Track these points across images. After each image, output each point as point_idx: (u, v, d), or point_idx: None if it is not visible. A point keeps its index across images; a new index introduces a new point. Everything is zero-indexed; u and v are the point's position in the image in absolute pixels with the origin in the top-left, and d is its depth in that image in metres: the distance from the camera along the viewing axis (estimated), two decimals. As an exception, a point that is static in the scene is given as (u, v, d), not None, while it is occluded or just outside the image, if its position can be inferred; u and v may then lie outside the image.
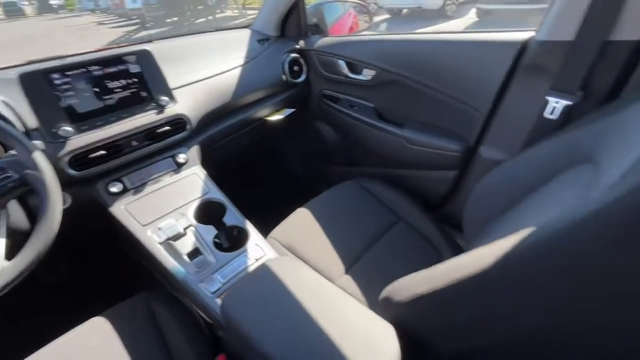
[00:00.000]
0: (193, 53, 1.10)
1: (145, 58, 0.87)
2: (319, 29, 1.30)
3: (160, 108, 0.87)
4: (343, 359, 0.45)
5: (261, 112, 1.18)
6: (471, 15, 8.20)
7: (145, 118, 0.84)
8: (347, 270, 0.86)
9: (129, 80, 0.84)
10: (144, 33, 10.08)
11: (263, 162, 1.62)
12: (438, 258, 0.89)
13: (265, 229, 0.94)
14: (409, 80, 1.02)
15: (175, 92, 0.92)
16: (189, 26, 11.39)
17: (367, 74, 1.14)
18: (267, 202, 1.25)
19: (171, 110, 0.89)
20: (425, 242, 0.94)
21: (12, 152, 0.61)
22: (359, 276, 0.85)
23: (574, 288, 0.33)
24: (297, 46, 1.24)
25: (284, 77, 1.20)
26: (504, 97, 0.83)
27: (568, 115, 0.69)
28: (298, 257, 0.88)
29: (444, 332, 0.46)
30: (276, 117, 1.20)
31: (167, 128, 0.87)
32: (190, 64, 1.04)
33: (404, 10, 9.23)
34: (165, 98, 0.88)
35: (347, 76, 1.18)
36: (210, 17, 12.46)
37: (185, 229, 0.77)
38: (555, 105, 0.70)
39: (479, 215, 0.75)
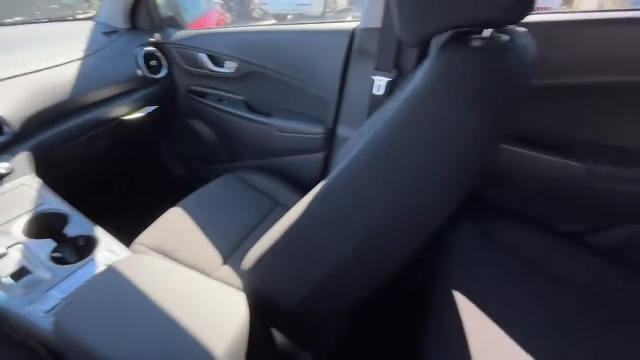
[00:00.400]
0: (13, 45, 0.92)
1: None
2: (175, 22, 1.24)
3: None
4: (191, 341, 0.44)
5: (116, 111, 1.06)
6: (349, 22, 9.02)
7: None
8: (226, 261, 0.84)
9: None
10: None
11: (134, 165, 1.46)
12: None
13: (136, 236, 0.86)
14: (268, 70, 1.06)
15: None
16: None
17: (230, 67, 1.14)
18: (141, 208, 1.14)
19: None
20: None
21: None
22: (238, 264, 0.84)
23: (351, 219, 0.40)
24: (152, 39, 1.16)
25: (139, 72, 1.11)
26: (345, 80, 0.94)
27: (390, 90, 0.82)
28: (170, 258, 0.83)
29: (286, 285, 0.49)
30: (135, 116, 1.10)
31: None
32: (8, 57, 0.87)
33: (289, 16, 9.56)
34: None
35: (211, 70, 1.16)
36: (71, 19, 10.61)
37: (8, 247, 0.64)
38: (380, 83, 0.83)
39: None
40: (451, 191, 0.37)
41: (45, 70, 0.90)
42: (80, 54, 1.00)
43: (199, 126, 1.33)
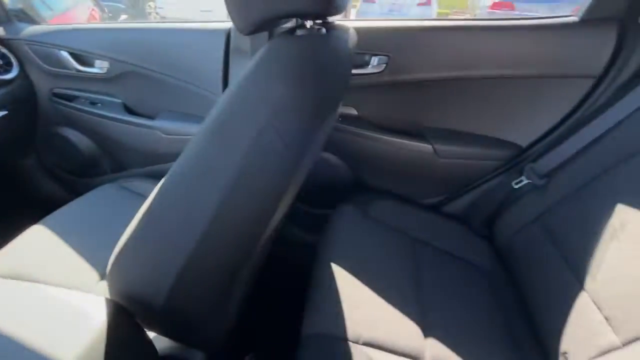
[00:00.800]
0: None
1: None
2: (27, 16, 1.08)
3: None
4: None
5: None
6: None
7: None
8: (104, 276, 0.76)
9: None
10: None
11: None
12: None
13: None
14: (145, 70, 1.00)
15: None
16: None
17: (101, 66, 1.04)
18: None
19: None
20: None
21: None
22: None
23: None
24: (-6, 34, 0.99)
25: (-23, 72, 0.93)
26: (228, 79, 0.95)
27: None
28: (32, 282, 0.71)
29: (149, 279, 0.48)
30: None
31: None
32: None
33: (192, 21, 9.12)
34: None
35: (77, 70, 1.04)
36: None
37: None
38: None
39: None
40: (285, 160, 0.42)
41: None
42: None
43: (71, 134, 1.17)
